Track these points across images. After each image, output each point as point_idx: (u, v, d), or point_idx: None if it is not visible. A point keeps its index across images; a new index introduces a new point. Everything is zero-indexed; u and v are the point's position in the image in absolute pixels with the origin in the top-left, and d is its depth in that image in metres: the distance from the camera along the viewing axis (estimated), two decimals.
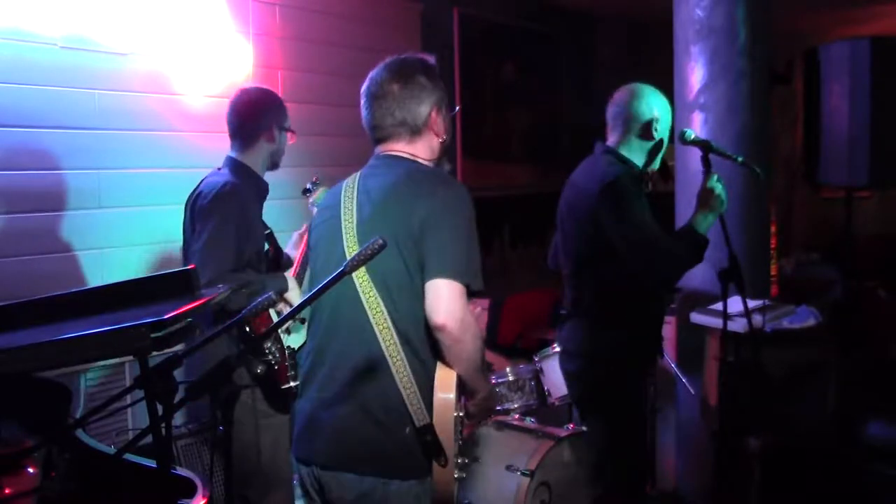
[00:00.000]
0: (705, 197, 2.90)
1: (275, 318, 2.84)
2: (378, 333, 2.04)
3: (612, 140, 3.11)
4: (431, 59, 2.31)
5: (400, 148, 2.24)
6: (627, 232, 2.85)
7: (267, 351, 2.84)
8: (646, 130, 3.03)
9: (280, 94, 3.22)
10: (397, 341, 2.04)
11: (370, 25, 4.74)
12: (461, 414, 2.18)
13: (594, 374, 3.03)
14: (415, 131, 2.23)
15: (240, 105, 3.03)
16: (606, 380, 3.02)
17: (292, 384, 2.88)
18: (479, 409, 2.30)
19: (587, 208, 2.97)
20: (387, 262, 2.01)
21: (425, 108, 2.22)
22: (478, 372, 2.17)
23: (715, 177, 2.89)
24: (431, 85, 2.24)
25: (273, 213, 3.19)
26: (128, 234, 3.60)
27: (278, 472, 3.00)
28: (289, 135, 3.11)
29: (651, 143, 3.04)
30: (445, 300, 2.02)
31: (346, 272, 1.68)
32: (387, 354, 2.04)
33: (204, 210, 2.84)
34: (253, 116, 3.02)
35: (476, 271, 2.09)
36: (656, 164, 3.13)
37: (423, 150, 2.26)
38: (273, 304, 1.76)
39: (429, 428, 2.04)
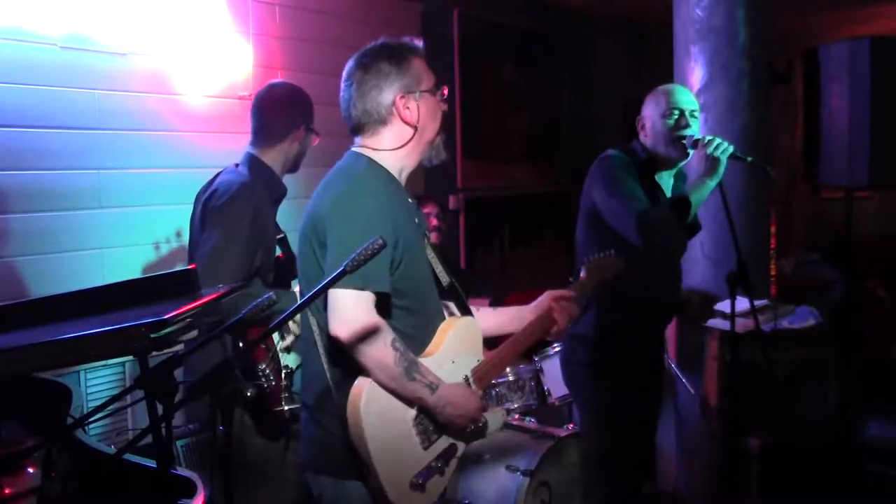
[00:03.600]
0: (708, 163, 2.87)
1: (275, 336, 2.72)
2: (317, 340, 2.05)
3: (642, 138, 3.17)
4: (411, 41, 2.18)
5: (364, 142, 2.16)
6: (613, 204, 2.90)
7: (259, 373, 2.69)
8: (640, 129, 3.11)
9: None
10: (326, 348, 2.03)
11: (370, 25, 4.73)
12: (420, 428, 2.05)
13: (584, 355, 3.06)
14: (380, 121, 2.13)
15: (269, 101, 2.88)
16: (593, 362, 3.04)
17: (285, 407, 2.72)
18: (446, 421, 2.05)
19: (586, 184, 3.08)
20: (311, 267, 2.06)
21: (387, 95, 2.11)
22: (400, 383, 1.96)
23: (708, 139, 2.87)
24: (396, 70, 2.11)
25: (278, 215, 3.17)
26: (128, 234, 3.60)
27: (267, 465, 2.87)
28: (313, 136, 2.96)
29: (648, 140, 3.06)
30: (335, 309, 1.94)
31: (347, 272, 1.66)
32: (324, 361, 2.04)
33: (216, 212, 2.72)
34: (283, 115, 2.87)
35: (369, 272, 1.84)
36: (673, 150, 3.02)
37: (390, 141, 2.14)
38: (273, 304, 1.75)
39: None
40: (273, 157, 2.87)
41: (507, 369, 3.65)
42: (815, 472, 3.91)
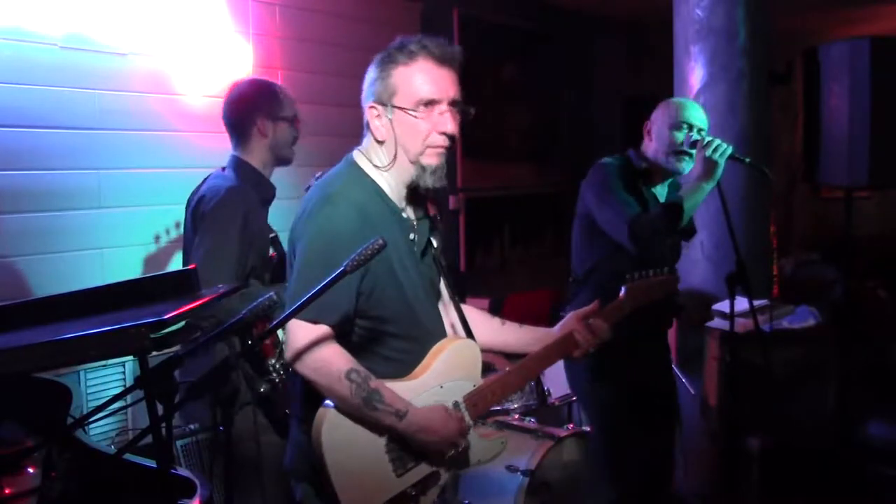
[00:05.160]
0: (706, 165, 2.88)
1: (280, 334, 2.69)
2: None
3: (644, 147, 3.16)
4: (413, 44, 1.96)
5: (362, 144, 2.05)
6: (605, 210, 2.93)
7: (271, 368, 2.67)
8: (645, 133, 3.10)
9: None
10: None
11: (370, 25, 4.73)
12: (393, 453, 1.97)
13: (587, 362, 3.05)
14: (364, 129, 2.02)
15: (228, 100, 2.90)
16: (599, 369, 3.03)
17: None
18: (421, 447, 1.97)
19: (581, 189, 3.10)
20: (290, 273, 2.00)
21: (364, 101, 2.00)
22: (361, 413, 1.88)
23: (707, 140, 2.88)
24: (376, 76, 1.96)
25: (272, 214, 3.17)
26: (128, 234, 3.60)
27: (280, 493, 2.80)
28: (285, 123, 2.89)
29: (651, 146, 3.06)
30: (289, 340, 1.89)
31: (347, 272, 1.66)
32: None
33: (206, 217, 2.74)
34: (239, 110, 2.86)
35: (323, 304, 1.75)
36: (673, 162, 3.03)
37: (373, 154, 2.01)
38: (274, 304, 1.75)
39: None
40: (253, 156, 2.88)
41: (507, 369, 3.63)
42: (815, 473, 3.91)
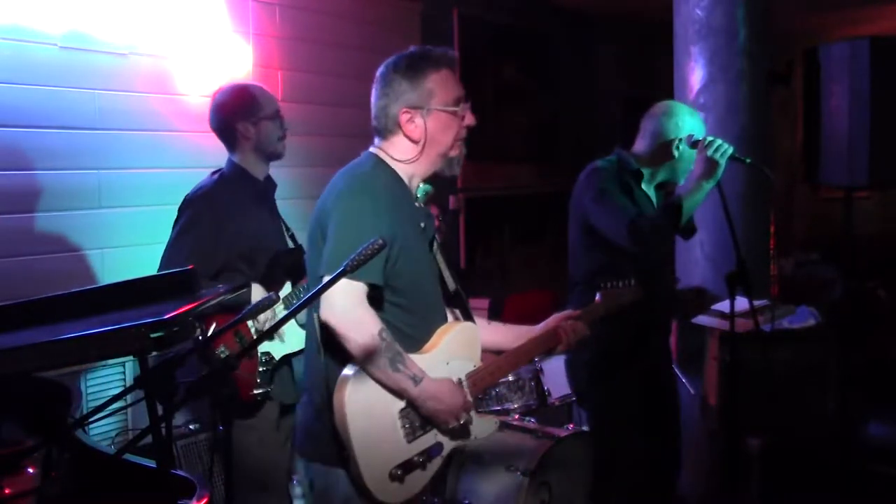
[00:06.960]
0: (707, 165, 2.88)
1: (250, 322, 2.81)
2: (316, 328, 2.09)
3: (636, 147, 3.14)
4: (438, 52, 2.20)
5: (380, 144, 2.23)
6: (604, 216, 2.95)
7: (219, 356, 2.76)
8: (667, 147, 3.04)
9: (280, 95, 3.19)
10: (321, 337, 2.08)
11: (370, 25, 4.73)
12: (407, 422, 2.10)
13: (583, 360, 3.07)
14: (390, 130, 2.19)
15: (210, 110, 3.03)
16: (593, 368, 3.05)
17: (256, 392, 2.80)
18: (429, 414, 2.10)
19: (576, 194, 3.12)
20: (313, 256, 2.14)
21: (394, 108, 2.16)
22: (384, 372, 2.02)
23: (709, 140, 2.89)
24: (406, 84, 2.16)
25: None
26: (128, 234, 3.60)
27: (269, 473, 2.94)
28: (267, 123, 2.98)
29: (670, 160, 3.05)
30: (325, 296, 1.96)
31: (347, 272, 1.69)
32: (319, 349, 2.09)
33: (179, 213, 2.94)
34: (220, 119, 3.00)
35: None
36: (680, 178, 3.12)
37: (400, 149, 2.20)
38: (273, 303, 1.77)
39: None
40: (243, 157, 3.01)
41: None
42: (815, 473, 3.92)
